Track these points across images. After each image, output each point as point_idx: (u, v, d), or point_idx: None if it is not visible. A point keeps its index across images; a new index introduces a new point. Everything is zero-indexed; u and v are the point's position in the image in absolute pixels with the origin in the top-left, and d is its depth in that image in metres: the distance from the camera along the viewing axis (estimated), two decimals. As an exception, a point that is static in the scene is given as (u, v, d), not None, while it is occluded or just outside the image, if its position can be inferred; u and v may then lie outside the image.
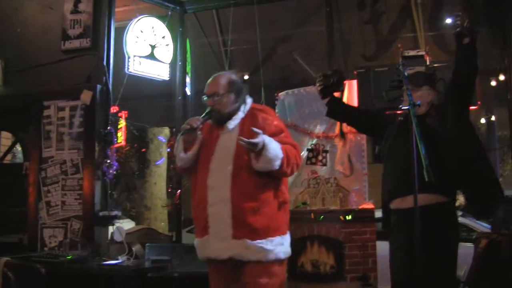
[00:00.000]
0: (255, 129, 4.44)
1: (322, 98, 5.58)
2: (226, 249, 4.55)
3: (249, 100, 4.88)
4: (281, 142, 4.59)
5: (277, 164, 4.49)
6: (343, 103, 5.70)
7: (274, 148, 4.47)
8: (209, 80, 4.85)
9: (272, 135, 4.59)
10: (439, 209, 4.77)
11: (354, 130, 7.66)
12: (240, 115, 4.77)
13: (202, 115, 4.68)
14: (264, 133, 4.52)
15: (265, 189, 4.60)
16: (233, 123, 4.73)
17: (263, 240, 4.54)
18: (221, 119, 4.73)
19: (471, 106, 5.45)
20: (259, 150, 4.40)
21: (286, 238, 4.75)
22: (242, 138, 4.42)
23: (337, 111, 5.65)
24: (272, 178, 4.63)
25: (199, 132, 4.72)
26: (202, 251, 4.74)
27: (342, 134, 8.42)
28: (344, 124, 8.29)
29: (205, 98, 4.78)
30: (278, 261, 4.67)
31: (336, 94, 5.69)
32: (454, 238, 4.99)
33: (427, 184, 4.20)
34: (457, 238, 5.04)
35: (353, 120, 5.79)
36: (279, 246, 4.64)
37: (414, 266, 4.72)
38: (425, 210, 4.64)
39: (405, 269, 5.00)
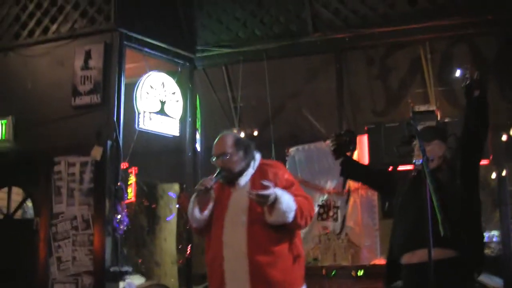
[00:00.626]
0: (265, 182, 4.44)
1: (336, 159, 5.58)
2: None
3: (258, 156, 4.91)
4: (293, 194, 4.60)
5: (291, 216, 4.49)
6: (357, 162, 5.72)
7: (287, 201, 4.48)
8: (215, 141, 4.90)
9: (284, 188, 4.60)
10: (451, 264, 4.71)
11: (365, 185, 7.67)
12: (250, 171, 4.80)
13: (215, 175, 4.70)
14: (276, 187, 4.53)
15: (280, 243, 4.60)
16: (244, 180, 4.75)
17: None
18: (233, 178, 4.74)
19: (482, 160, 5.42)
20: (272, 204, 4.40)
21: None
22: (251, 191, 4.43)
23: (351, 170, 5.65)
24: (286, 232, 4.63)
25: (211, 192, 4.73)
26: None
27: (349, 193, 8.41)
28: (352, 181, 8.30)
29: (214, 159, 4.80)
30: None
31: (348, 153, 5.70)
32: None
33: (439, 239, 4.18)
34: None
35: (366, 179, 5.79)
36: None
37: None
38: (437, 265, 4.61)
39: None
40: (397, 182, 5.32)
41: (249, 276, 4.52)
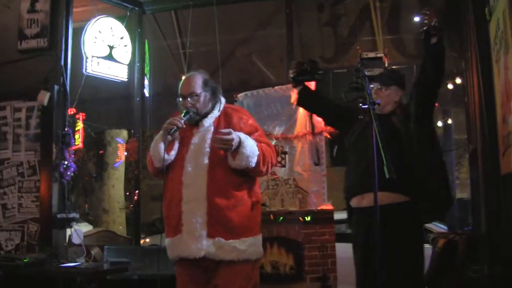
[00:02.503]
0: (225, 130, 4.42)
1: (294, 87, 5.52)
2: (200, 248, 4.50)
3: (223, 100, 4.86)
4: (256, 140, 4.59)
5: (254, 161, 4.48)
6: (315, 93, 5.61)
7: (251, 145, 4.46)
8: (182, 81, 4.79)
9: (248, 134, 4.58)
10: (400, 209, 4.74)
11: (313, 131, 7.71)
12: (215, 113, 4.74)
13: (183, 115, 4.62)
14: (241, 131, 4.52)
15: (240, 187, 4.58)
16: (208, 121, 4.69)
17: (236, 240, 4.52)
18: (198, 119, 4.70)
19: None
20: (236, 148, 4.39)
21: (259, 239, 4.73)
22: (215, 136, 4.40)
23: (307, 100, 5.56)
24: (247, 177, 4.61)
25: (177, 132, 4.67)
26: (173, 250, 4.68)
27: (313, 130, 8.39)
28: (300, 127, 8.34)
29: (180, 99, 4.73)
30: (251, 262, 4.65)
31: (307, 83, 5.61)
32: (418, 238, 4.91)
33: (388, 183, 4.20)
34: (421, 238, 5.00)
35: (323, 110, 5.69)
36: (252, 246, 4.62)
37: (373, 267, 4.75)
38: (386, 209, 4.64)
39: (364, 270, 5.02)
40: (353, 121, 5.32)
41: (207, 217, 4.50)
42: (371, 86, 4.99)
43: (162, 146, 4.59)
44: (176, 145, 4.69)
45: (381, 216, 4.38)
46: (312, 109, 5.99)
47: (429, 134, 4.97)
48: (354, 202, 5.06)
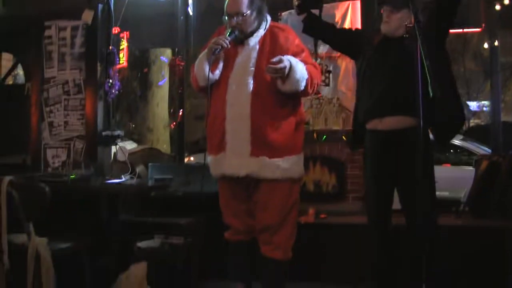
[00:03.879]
0: (276, 59, 4.39)
1: (298, 14, 5.49)
2: (243, 167, 4.56)
3: (269, 18, 4.83)
4: (303, 62, 4.57)
5: (303, 84, 4.50)
6: (321, 20, 5.57)
7: (300, 69, 4.47)
8: None
9: (294, 54, 4.58)
10: (415, 133, 4.72)
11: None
12: (261, 32, 4.73)
13: (227, 34, 4.60)
14: (287, 53, 4.51)
15: (284, 107, 4.60)
16: (253, 40, 4.69)
17: (280, 159, 4.56)
18: (243, 38, 4.68)
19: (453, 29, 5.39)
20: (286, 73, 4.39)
21: (301, 158, 4.78)
22: (270, 66, 4.38)
23: (314, 27, 5.54)
24: (291, 97, 4.62)
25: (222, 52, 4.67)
26: (216, 168, 4.74)
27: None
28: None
29: (226, 18, 4.71)
30: (292, 180, 4.69)
31: (313, 11, 5.60)
32: (429, 161, 4.92)
33: (404, 106, 4.24)
34: (432, 162, 5.00)
35: (330, 37, 5.69)
36: (295, 165, 4.67)
37: (386, 187, 4.83)
38: (401, 133, 4.70)
39: (377, 190, 5.08)
40: (363, 45, 5.29)
41: (250, 136, 4.54)
42: (383, 8, 4.99)
43: (206, 65, 4.59)
44: (221, 65, 4.70)
45: (396, 140, 4.46)
46: (318, 36, 5.97)
47: (442, 56, 4.92)
48: (370, 125, 5.06)
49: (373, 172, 5.13)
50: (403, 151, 4.80)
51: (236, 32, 4.63)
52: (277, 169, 4.57)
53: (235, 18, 4.65)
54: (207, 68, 4.61)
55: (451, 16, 4.92)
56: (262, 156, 4.55)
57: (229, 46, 4.59)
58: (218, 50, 4.53)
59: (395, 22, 5.00)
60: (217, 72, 4.71)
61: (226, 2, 4.77)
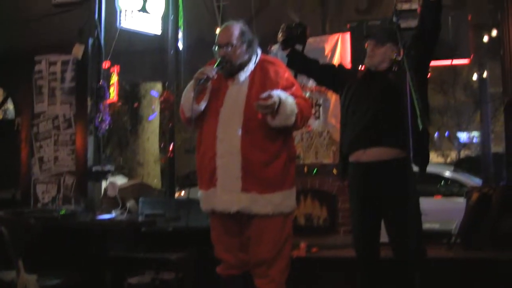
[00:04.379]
0: (265, 94, 4.39)
1: (283, 49, 5.53)
2: (234, 202, 4.53)
3: (259, 51, 4.83)
4: (293, 95, 4.56)
5: (293, 119, 4.48)
6: (304, 55, 5.58)
7: (290, 104, 4.45)
8: (220, 30, 4.81)
9: (284, 88, 4.56)
10: (398, 164, 4.71)
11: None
12: (251, 66, 4.71)
13: (215, 65, 4.60)
14: (277, 87, 4.50)
15: (275, 142, 4.57)
16: (244, 74, 4.67)
17: (271, 194, 4.54)
18: (232, 70, 4.67)
19: (432, 61, 5.43)
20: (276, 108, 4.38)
21: (293, 192, 4.75)
22: (259, 102, 4.37)
23: (297, 63, 5.56)
24: (282, 131, 4.60)
25: (209, 82, 4.66)
26: (207, 203, 4.71)
27: None
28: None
29: (216, 48, 4.72)
30: (284, 215, 4.67)
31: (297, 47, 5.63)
32: (414, 193, 4.87)
33: (389, 138, 4.25)
34: (417, 193, 4.95)
35: (313, 72, 5.73)
36: (286, 200, 4.64)
37: (372, 220, 4.84)
38: (384, 165, 4.71)
39: (363, 223, 5.08)
40: (346, 80, 5.33)
41: (241, 172, 4.51)
42: (367, 42, 5.05)
43: (191, 96, 4.59)
44: (207, 96, 4.68)
45: (380, 171, 4.47)
46: (302, 71, 5.98)
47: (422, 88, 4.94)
48: (354, 157, 5.07)
49: (358, 204, 5.13)
50: (387, 183, 4.81)
51: (225, 63, 4.63)
52: (269, 204, 4.54)
53: (224, 48, 4.66)
54: (192, 99, 4.61)
55: (430, 48, 4.97)
56: (253, 191, 4.52)
57: (215, 76, 4.58)
58: (203, 80, 4.52)
59: (378, 57, 5.06)
60: (203, 103, 4.69)
61: (217, 33, 4.79)
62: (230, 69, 4.66)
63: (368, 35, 5.23)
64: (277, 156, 4.59)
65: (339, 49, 8.32)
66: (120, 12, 8.29)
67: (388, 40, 5.03)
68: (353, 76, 5.30)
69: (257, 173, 4.50)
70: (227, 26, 4.76)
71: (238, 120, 4.54)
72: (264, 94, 4.39)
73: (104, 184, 7.34)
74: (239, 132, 4.52)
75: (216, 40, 4.74)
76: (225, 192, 4.55)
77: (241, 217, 4.60)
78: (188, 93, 4.69)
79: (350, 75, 5.40)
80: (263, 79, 4.63)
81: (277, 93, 4.42)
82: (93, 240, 6.18)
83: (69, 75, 7.54)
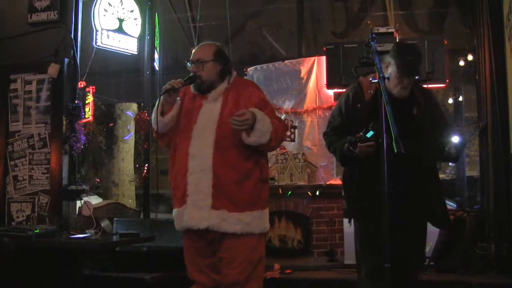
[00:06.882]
0: (239, 112, 4.40)
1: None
2: (203, 219, 4.50)
3: (234, 73, 4.85)
4: (268, 116, 4.58)
5: (267, 137, 4.47)
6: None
7: (266, 122, 4.45)
8: (196, 47, 4.82)
9: (259, 108, 4.56)
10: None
11: (323, 106, 7.77)
12: (225, 85, 4.72)
13: (184, 79, 4.62)
14: (252, 106, 4.51)
15: (247, 161, 4.56)
16: (217, 92, 4.69)
17: (241, 213, 4.53)
18: (202, 87, 4.66)
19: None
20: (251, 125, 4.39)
21: (265, 213, 4.72)
22: (234, 118, 4.38)
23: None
24: (255, 152, 4.61)
25: (178, 98, 4.66)
26: (179, 221, 4.68)
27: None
28: (310, 101, 8.40)
29: (189, 63, 4.74)
30: (256, 236, 4.66)
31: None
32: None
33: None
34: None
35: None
36: (257, 220, 4.61)
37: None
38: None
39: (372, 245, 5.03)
40: (354, 113, 5.16)
41: (212, 190, 4.51)
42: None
43: (159, 109, 4.61)
44: (176, 111, 4.69)
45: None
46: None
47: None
48: None
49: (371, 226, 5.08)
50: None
51: (195, 78, 4.65)
52: (238, 223, 4.53)
53: (196, 64, 4.68)
54: (159, 111, 4.63)
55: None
56: (223, 209, 4.51)
57: (180, 89, 4.59)
58: (167, 90, 4.53)
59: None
60: (169, 117, 4.69)
61: (194, 50, 4.82)
62: (200, 86, 4.68)
63: (415, 73, 5.00)
64: (248, 175, 4.58)
65: (315, 71, 8.39)
66: (96, 31, 8.31)
67: (417, 72, 4.97)
68: (362, 101, 5.11)
69: (227, 191, 4.50)
70: (203, 44, 4.80)
71: (211, 137, 4.55)
72: (239, 112, 4.41)
73: (78, 203, 7.31)
74: (212, 149, 4.53)
75: (191, 55, 4.77)
76: (195, 208, 4.54)
77: (213, 237, 4.60)
78: (156, 107, 4.71)
79: (354, 106, 5.17)
80: (237, 98, 4.64)
81: (252, 111, 4.44)
82: (67, 259, 6.14)
83: (44, 94, 7.51)
